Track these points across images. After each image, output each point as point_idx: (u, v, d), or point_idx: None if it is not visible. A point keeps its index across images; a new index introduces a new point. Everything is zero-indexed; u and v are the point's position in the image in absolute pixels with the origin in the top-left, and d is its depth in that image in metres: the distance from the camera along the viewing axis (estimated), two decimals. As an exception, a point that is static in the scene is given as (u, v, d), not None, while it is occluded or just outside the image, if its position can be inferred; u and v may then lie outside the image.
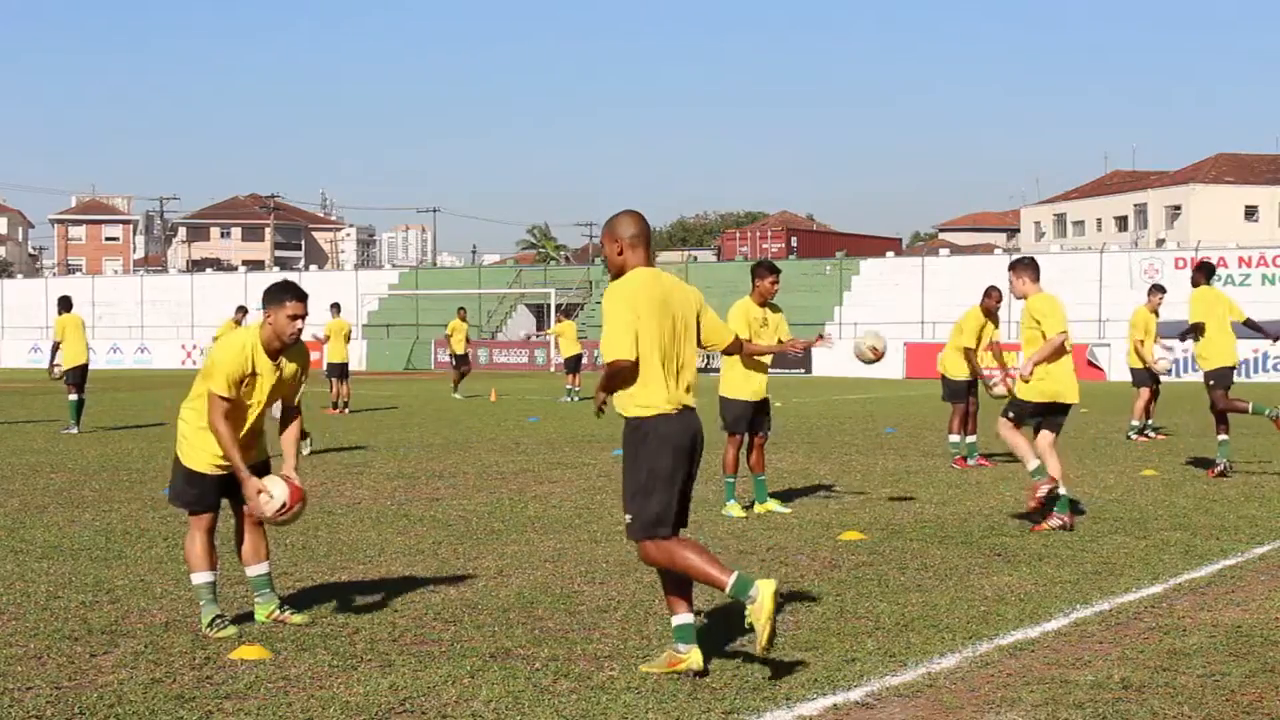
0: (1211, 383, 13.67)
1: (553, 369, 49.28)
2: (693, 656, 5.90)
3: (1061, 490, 10.29)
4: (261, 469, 7.06)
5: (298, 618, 6.95)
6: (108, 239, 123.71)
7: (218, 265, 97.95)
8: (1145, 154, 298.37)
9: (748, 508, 11.14)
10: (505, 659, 6.21)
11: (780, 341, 10.99)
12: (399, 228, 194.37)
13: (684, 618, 6.04)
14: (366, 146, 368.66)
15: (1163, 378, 18.89)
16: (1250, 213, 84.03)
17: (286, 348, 6.87)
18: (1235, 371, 13.94)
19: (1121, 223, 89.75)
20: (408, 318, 64.32)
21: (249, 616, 7.02)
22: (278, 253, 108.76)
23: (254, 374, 6.75)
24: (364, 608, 7.29)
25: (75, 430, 19.49)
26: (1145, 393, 18.54)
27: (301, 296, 6.87)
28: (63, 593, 7.73)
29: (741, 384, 10.96)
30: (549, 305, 57.79)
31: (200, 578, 6.84)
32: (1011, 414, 10.51)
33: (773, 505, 11.15)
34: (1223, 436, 13.67)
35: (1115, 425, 20.10)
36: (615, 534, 9.74)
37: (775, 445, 15.71)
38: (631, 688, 5.71)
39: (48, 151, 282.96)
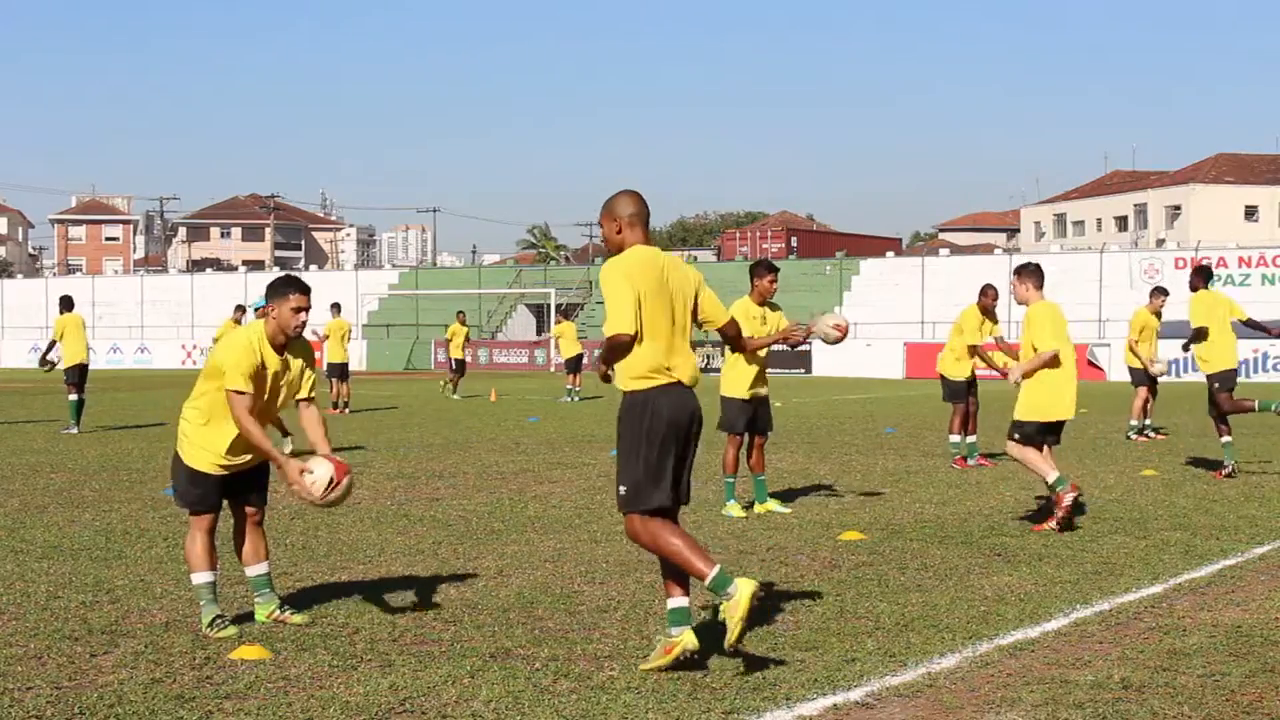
0: (1216, 385, 13.65)
1: (553, 369, 49.28)
2: (685, 638, 5.91)
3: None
4: (262, 470, 7.07)
5: (298, 618, 6.95)
6: (108, 239, 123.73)
7: (218, 265, 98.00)
8: (1145, 154, 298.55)
9: (748, 508, 11.14)
10: (505, 659, 6.21)
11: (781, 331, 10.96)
12: (399, 228, 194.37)
13: (679, 601, 6.06)
14: (366, 146, 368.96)
15: (1160, 379, 18.89)
16: (1250, 213, 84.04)
17: (291, 342, 6.88)
18: (1237, 373, 13.94)
19: (1121, 223, 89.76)
20: (408, 318, 64.33)
21: (249, 616, 7.02)
22: (278, 253, 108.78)
23: (262, 368, 6.76)
24: (364, 608, 7.29)
25: (75, 430, 19.49)
26: (1143, 392, 18.55)
27: (305, 289, 6.88)
28: (63, 593, 7.73)
29: (741, 383, 10.95)
30: (549, 305, 57.80)
31: (200, 578, 6.84)
32: (1018, 435, 10.43)
33: (773, 505, 11.15)
34: (1226, 438, 13.66)
35: (1115, 425, 20.09)
36: (615, 534, 9.74)
37: (775, 445, 15.71)
38: (631, 688, 5.71)
39: (48, 151, 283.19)
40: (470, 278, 70.74)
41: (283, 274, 7.24)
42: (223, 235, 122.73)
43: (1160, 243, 74.30)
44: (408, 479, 13.51)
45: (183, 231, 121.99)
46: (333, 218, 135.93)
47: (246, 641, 6.45)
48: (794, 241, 75.65)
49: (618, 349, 6.00)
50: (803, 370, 46.60)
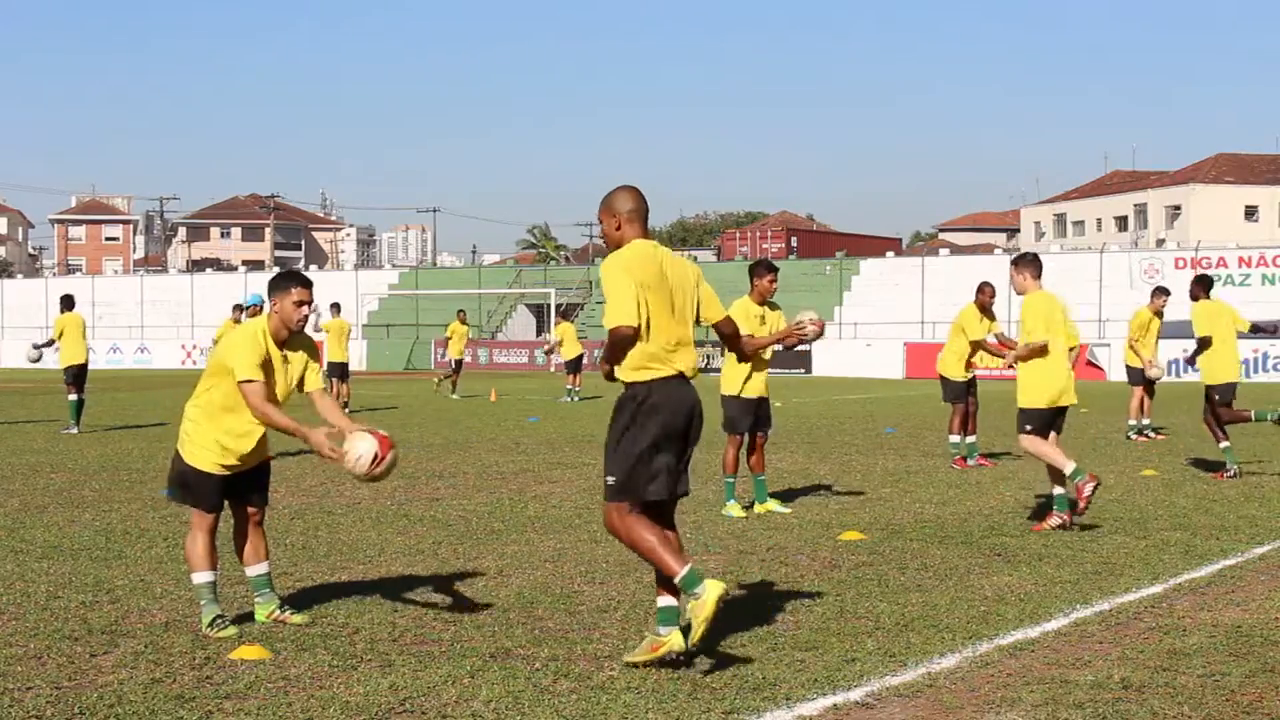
0: (1216, 397, 13.64)
1: (553, 369, 49.28)
2: (673, 639, 5.93)
3: (1061, 490, 10.29)
4: (264, 470, 7.07)
5: (298, 618, 6.95)
6: (108, 239, 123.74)
7: (218, 265, 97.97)
8: (1145, 154, 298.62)
9: (748, 508, 11.14)
10: (505, 659, 6.21)
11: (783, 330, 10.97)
12: (399, 228, 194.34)
13: (668, 600, 6.08)
14: (366, 146, 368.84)
15: (1157, 381, 18.89)
16: (1250, 213, 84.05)
17: (294, 336, 6.89)
18: (1236, 386, 13.90)
19: (1121, 223, 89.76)
20: (408, 318, 64.33)
21: (249, 616, 7.02)
22: (278, 253, 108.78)
23: (267, 362, 6.76)
24: (364, 608, 7.29)
25: (75, 430, 19.49)
26: (1139, 391, 18.57)
27: (307, 284, 6.90)
28: (63, 593, 7.72)
29: (741, 383, 10.96)
30: (549, 305, 57.81)
31: (201, 577, 6.84)
32: (1029, 427, 10.42)
33: (773, 505, 11.15)
34: (1224, 444, 13.64)
35: (1115, 425, 20.09)
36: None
37: (775, 445, 15.70)
38: (631, 688, 5.71)
39: (48, 151, 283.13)
40: (470, 278, 70.74)
41: (284, 269, 7.23)
42: (223, 235, 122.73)
43: (1160, 243, 74.29)
44: (408, 479, 13.51)
45: (183, 231, 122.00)
46: (333, 218, 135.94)
47: (246, 641, 6.44)
48: (794, 241, 75.65)
49: (621, 343, 5.99)
50: (803, 370, 46.59)
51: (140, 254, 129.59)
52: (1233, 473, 13.37)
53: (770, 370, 11.35)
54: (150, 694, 5.62)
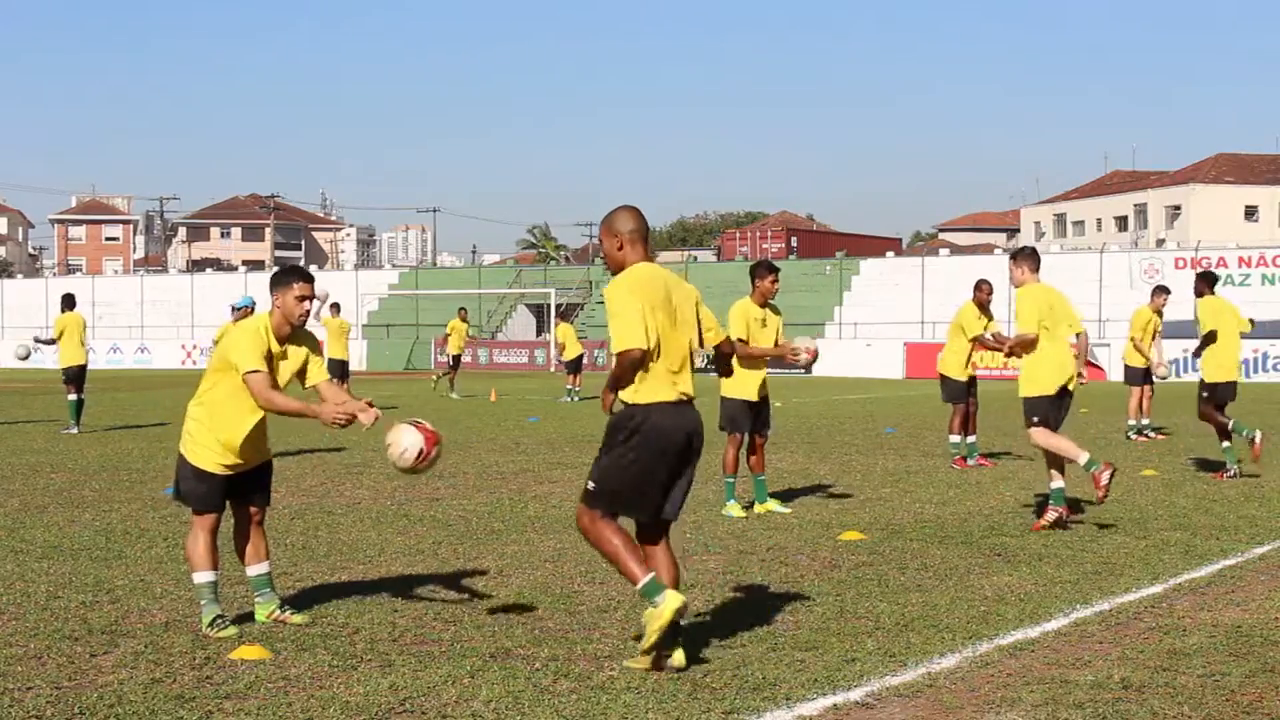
0: (1205, 394, 13.65)
1: (553, 369, 49.29)
2: (675, 657, 5.93)
3: (1060, 483, 10.29)
4: (266, 470, 7.07)
5: (298, 618, 6.95)
6: (108, 239, 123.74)
7: (218, 265, 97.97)
8: (1145, 154, 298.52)
9: (748, 508, 11.14)
10: (505, 659, 6.21)
11: (777, 345, 11.01)
12: (399, 228, 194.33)
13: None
14: (366, 146, 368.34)
15: (1159, 380, 18.89)
16: (1250, 213, 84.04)
17: (296, 332, 6.89)
18: (1236, 386, 13.89)
19: (1121, 223, 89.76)
20: (408, 318, 64.32)
21: (249, 616, 7.02)
22: (278, 253, 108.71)
23: (269, 357, 6.76)
24: (364, 608, 7.29)
25: (75, 430, 19.49)
26: (1137, 391, 18.58)
27: (308, 278, 6.91)
28: (63, 593, 7.73)
29: (740, 383, 10.95)
30: (549, 305, 57.82)
31: (202, 577, 6.84)
32: (1037, 419, 10.42)
33: (773, 505, 11.15)
34: (1226, 444, 13.64)
35: (1115, 425, 20.09)
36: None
37: (775, 445, 15.70)
38: (631, 688, 5.71)
39: (48, 151, 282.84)
40: (470, 278, 70.74)
41: (286, 265, 7.23)
42: (223, 235, 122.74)
43: (1160, 243, 74.27)
44: (408, 479, 13.51)
45: (183, 231, 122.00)
46: (333, 218, 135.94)
47: (246, 641, 6.45)
48: (794, 241, 75.65)
49: (631, 365, 5.99)
50: (803, 370, 46.54)
51: (140, 254, 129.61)
52: (1231, 473, 13.37)
53: (770, 370, 11.35)
54: (150, 694, 5.62)
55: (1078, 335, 10.91)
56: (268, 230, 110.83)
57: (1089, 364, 11.61)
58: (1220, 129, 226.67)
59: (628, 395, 6.06)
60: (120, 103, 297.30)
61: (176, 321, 68.41)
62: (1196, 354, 13.89)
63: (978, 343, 14.52)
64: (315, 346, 7.08)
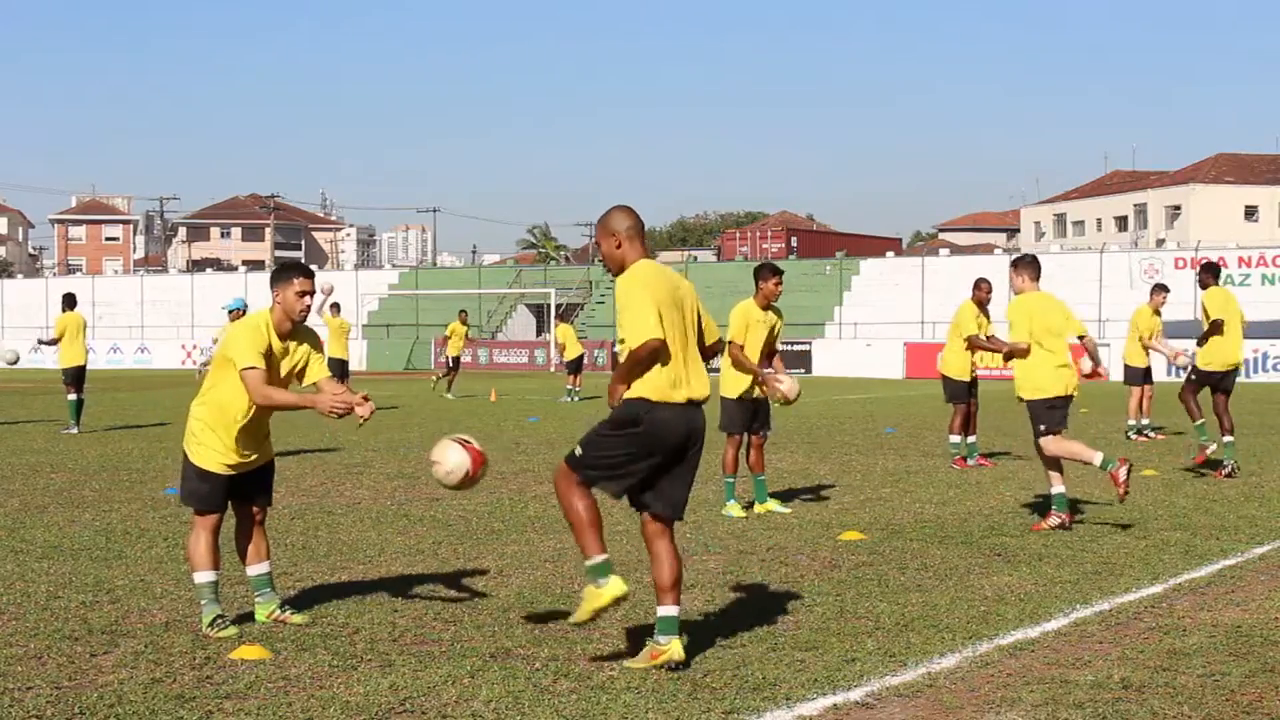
0: (1193, 378, 13.70)
1: (553, 369, 49.31)
2: (673, 648, 5.96)
3: (1060, 488, 10.29)
4: (268, 470, 7.07)
5: (298, 618, 6.95)
6: (108, 239, 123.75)
7: (218, 265, 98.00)
8: (1145, 154, 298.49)
9: (748, 508, 11.14)
10: (505, 659, 6.21)
11: (771, 363, 11.08)
12: (399, 228, 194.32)
13: (669, 610, 6.07)
14: (366, 146, 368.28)
15: (1156, 379, 18.89)
16: (1250, 213, 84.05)
17: (297, 328, 6.89)
18: (1236, 374, 13.89)
19: (1121, 223, 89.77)
20: (408, 318, 64.34)
21: (249, 616, 7.02)
22: (278, 253, 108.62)
23: (269, 353, 6.76)
24: (364, 608, 7.30)
25: (75, 430, 19.49)
26: (1137, 391, 18.59)
27: (308, 274, 6.91)
28: (63, 593, 7.73)
29: (737, 384, 10.97)
30: (549, 305, 57.83)
31: (203, 577, 6.84)
32: (1044, 425, 10.40)
33: (773, 505, 11.15)
34: (1228, 439, 13.65)
35: (1115, 425, 20.10)
36: (616, 534, 9.73)
37: (775, 445, 15.70)
38: (631, 688, 5.71)
39: (48, 151, 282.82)
40: (470, 278, 70.75)
41: (285, 261, 7.23)
42: (223, 235, 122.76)
43: (1160, 243, 74.29)
44: (408, 479, 13.51)
45: (183, 231, 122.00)
46: (333, 218, 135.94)
47: (246, 641, 6.45)
48: (794, 241, 75.69)
49: (649, 356, 5.97)
50: (803, 370, 46.57)
51: (140, 254, 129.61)
52: (1229, 469, 13.38)
53: (769, 371, 11.34)
54: (150, 694, 5.62)
55: (1081, 338, 10.92)
56: (268, 230, 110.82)
57: (1095, 368, 11.57)
58: (1220, 129, 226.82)
59: (635, 388, 6.05)
60: (120, 103, 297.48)
61: (176, 322, 68.43)
62: (1201, 342, 13.87)
63: (972, 342, 14.52)
64: (316, 343, 7.08)
